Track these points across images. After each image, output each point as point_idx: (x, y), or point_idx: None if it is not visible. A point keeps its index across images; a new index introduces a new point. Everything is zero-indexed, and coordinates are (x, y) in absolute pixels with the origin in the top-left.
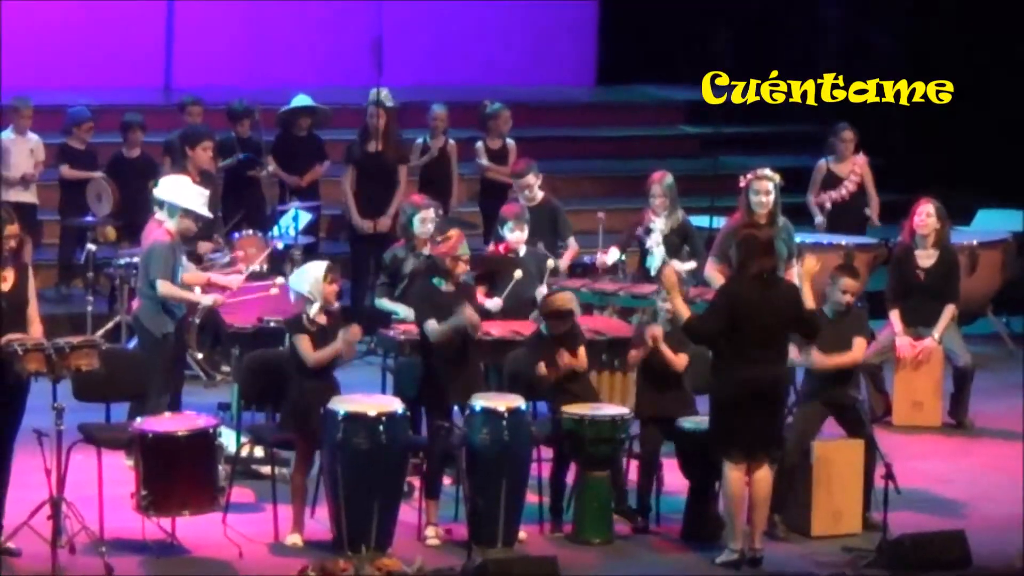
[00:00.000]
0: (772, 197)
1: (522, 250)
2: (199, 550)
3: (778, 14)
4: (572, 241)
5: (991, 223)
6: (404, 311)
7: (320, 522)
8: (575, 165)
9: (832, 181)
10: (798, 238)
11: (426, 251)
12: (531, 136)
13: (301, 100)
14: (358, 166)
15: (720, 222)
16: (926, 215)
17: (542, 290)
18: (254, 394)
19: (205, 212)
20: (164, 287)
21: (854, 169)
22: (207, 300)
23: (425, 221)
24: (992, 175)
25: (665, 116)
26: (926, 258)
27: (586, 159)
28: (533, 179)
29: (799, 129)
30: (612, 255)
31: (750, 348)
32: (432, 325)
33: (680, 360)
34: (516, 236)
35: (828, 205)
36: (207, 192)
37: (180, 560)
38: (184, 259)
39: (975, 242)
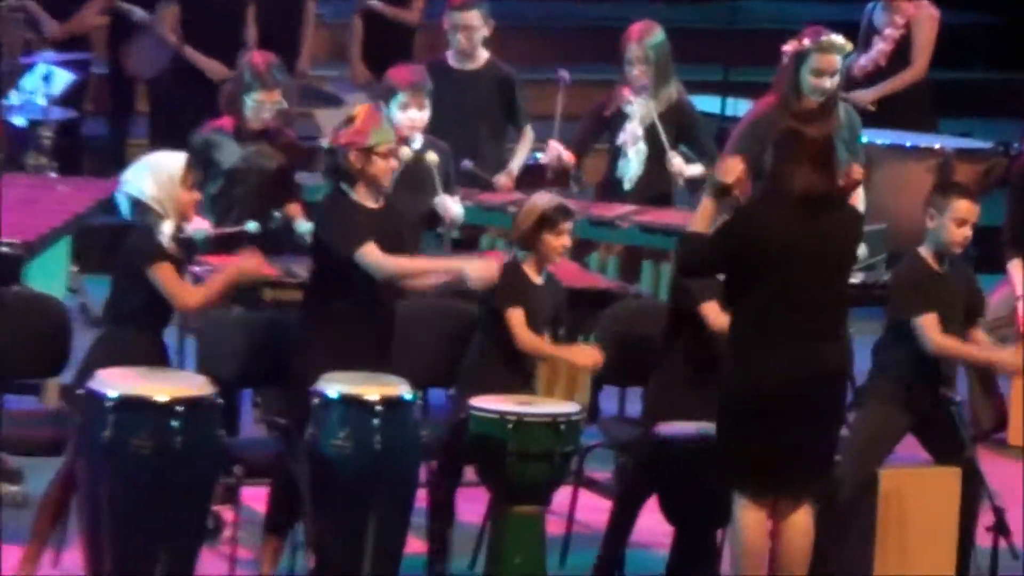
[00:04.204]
0: (837, 79)
1: (418, 140)
2: None
3: None
4: (528, 131)
5: None
6: (198, 229)
7: (67, 572)
8: (520, 8)
9: (869, 39)
10: (863, 138)
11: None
12: None
13: None
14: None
15: (739, 107)
16: None
17: (445, 202)
18: None
19: None
20: None
21: (895, 20)
22: None
23: (263, 105)
24: None
25: None
26: None
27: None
28: (478, 19)
29: None
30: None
31: (787, 314)
32: (372, 253)
33: (721, 319)
34: (411, 116)
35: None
36: None
37: None
38: None
39: None
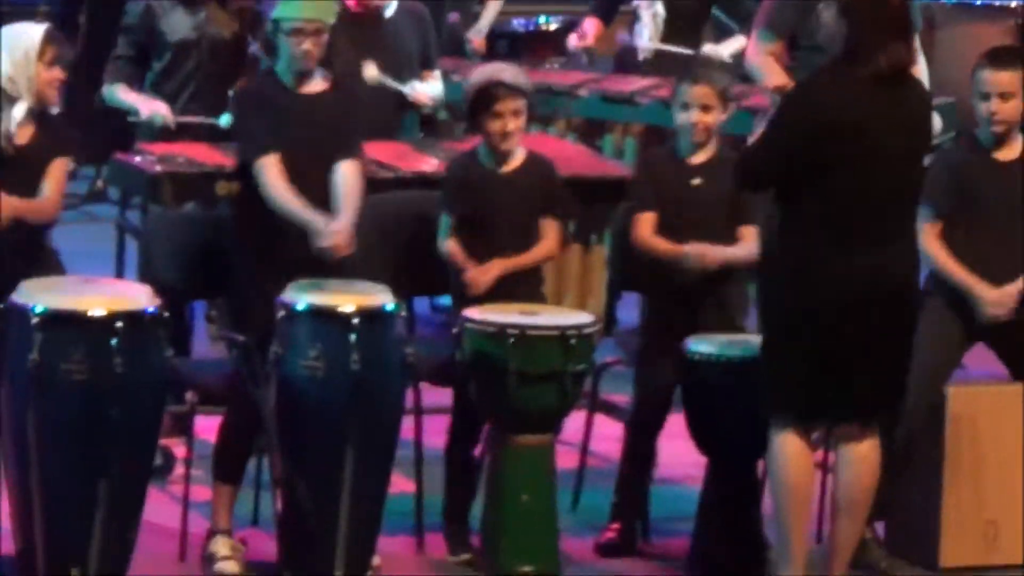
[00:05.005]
0: None
1: (391, 6)
2: None
3: None
4: None
5: None
6: (155, 112)
7: None
8: None
9: None
10: None
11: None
12: None
13: None
14: None
15: None
16: None
17: (415, 89)
18: None
19: None
20: None
21: None
22: None
23: None
24: None
25: None
26: None
27: None
28: None
29: None
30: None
31: (855, 211)
32: (270, 169)
33: (739, 249)
34: None
35: None
36: None
37: None
38: None
39: None
